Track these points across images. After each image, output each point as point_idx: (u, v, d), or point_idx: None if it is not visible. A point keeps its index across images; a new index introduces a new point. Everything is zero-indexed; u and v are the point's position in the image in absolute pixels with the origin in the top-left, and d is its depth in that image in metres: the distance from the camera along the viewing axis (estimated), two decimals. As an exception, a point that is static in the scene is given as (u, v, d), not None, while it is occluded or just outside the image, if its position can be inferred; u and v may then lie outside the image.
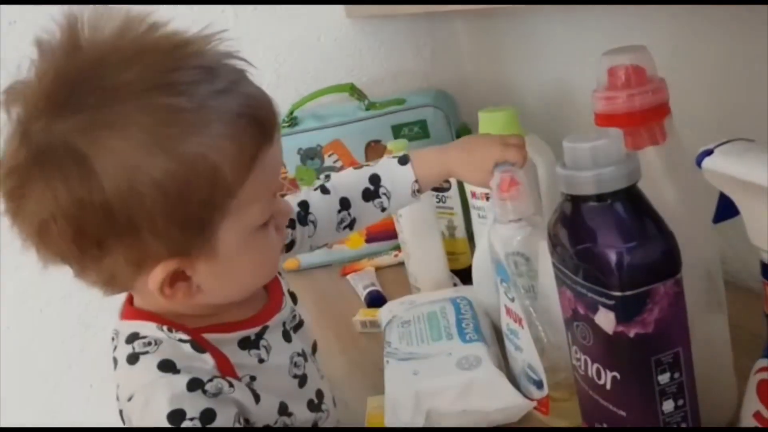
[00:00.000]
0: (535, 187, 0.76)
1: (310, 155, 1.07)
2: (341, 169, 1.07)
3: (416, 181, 0.71)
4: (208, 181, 0.47)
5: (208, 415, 0.50)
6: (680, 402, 0.49)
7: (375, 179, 0.72)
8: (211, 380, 0.51)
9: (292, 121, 1.09)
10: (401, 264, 1.03)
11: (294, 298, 0.64)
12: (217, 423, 0.50)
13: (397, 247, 1.07)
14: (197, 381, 0.50)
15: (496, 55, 1.18)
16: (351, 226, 0.73)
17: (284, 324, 0.60)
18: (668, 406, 0.48)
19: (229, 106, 0.48)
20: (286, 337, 0.60)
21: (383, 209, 0.73)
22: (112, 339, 0.55)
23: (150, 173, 0.45)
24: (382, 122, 1.05)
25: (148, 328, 0.53)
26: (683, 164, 0.54)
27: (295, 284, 1.07)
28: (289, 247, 0.70)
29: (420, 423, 0.65)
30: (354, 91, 1.09)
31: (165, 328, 0.53)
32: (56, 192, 0.45)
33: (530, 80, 1.07)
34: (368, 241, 1.11)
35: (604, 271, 0.46)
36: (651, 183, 0.50)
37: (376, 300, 0.95)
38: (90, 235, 0.47)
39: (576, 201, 0.48)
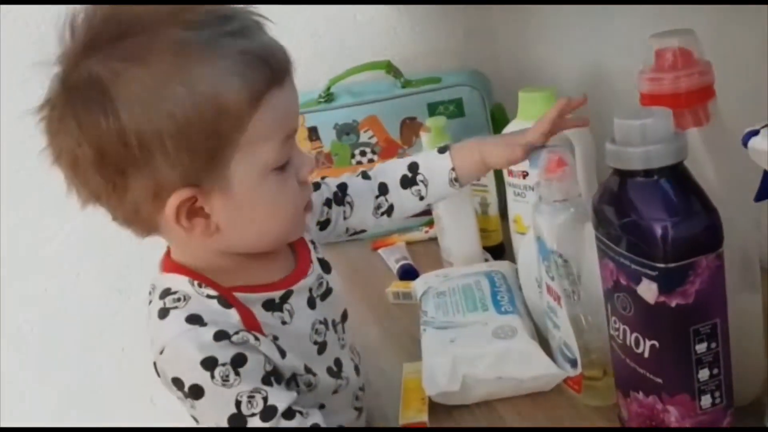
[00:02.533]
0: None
1: (345, 130, 1.09)
2: (376, 144, 1.10)
3: (453, 168, 0.72)
4: (215, 111, 0.50)
5: (238, 359, 0.53)
6: (715, 371, 0.51)
7: (413, 167, 0.74)
8: (237, 333, 0.53)
9: (329, 96, 1.12)
10: (432, 240, 1.06)
11: (326, 266, 0.66)
12: (248, 367, 0.53)
13: (428, 223, 1.10)
14: (223, 333, 0.53)
15: (530, 35, 1.19)
16: (389, 212, 0.75)
17: (310, 290, 0.62)
18: (704, 374, 0.51)
19: (238, 46, 0.51)
20: (311, 304, 0.62)
21: (421, 198, 0.74)
22: (150, 292, 0.58)
23: (163, 102, 0.49)
24: (418, 100, 1.07)
25: (180, 283, 0.56)
26: (725, 146, 0.56)
27: (327, 256, 1.12)
28: (324, 225, 0.73)
29: (455, 388, 0.68)
30: (391, 68, 1.11)
31: (196, 283, 0.56)
32: (80, 120, 0.50)
33: (565, 61, 1.09)
34: (400, 216, 1.13)
35: (649, 244, 0.49)
36: (693, 163, 0.52)
37: (408, 273, 0.98)
38: (111, 163, 0.51)
39: (624, 176, 0.50)
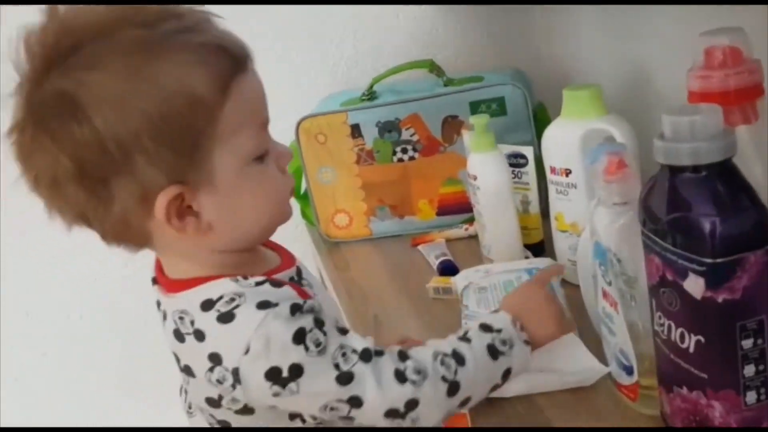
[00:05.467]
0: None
1: (387, 128, 1.11)
2: (418, 142, 1.11)
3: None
4: (187, 104, 0.51)
5: (320, 322, 0.55)
6: (761, 367, 0.51)
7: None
8: (304, 302, 0.55)
9: (372, 94, 1.13)
10: (471, 237, 1.07)
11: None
12: (328, 324, 0.55)
13: (468, 221, 1.11)
14: (296, 305, 0.54)
15: (571, 35, 1.20)
16: None
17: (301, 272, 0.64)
18: (749, 370, 0.51)
19: (195, 39, 0.53)
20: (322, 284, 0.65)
21: None
22: (180, 319, 0.56)
23: (131, 101, 0.50)
24: (460, 98, 1.08)
25: (221, 286, 0.55)
26: (774, 144, 0.56)
27: (367, 252, 1.14)
28: None
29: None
30: (433, 67, 1.12)
31: (239, 278, 0.56)
32: (54, 134, 0.50)
33: (606, 60, 1.09)
34: (439, 213, 1.14)
35: (696, 239, 0.49)
36: (741, 160, 0.52)
37: (448, 269, 0.99)
38: (93, 173, 0.51)
39: (672, 171, 0.51)
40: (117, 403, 1.39)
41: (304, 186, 1.19)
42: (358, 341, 0.57)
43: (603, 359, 0.68)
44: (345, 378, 0.54)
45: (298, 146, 1.13)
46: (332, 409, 0.56)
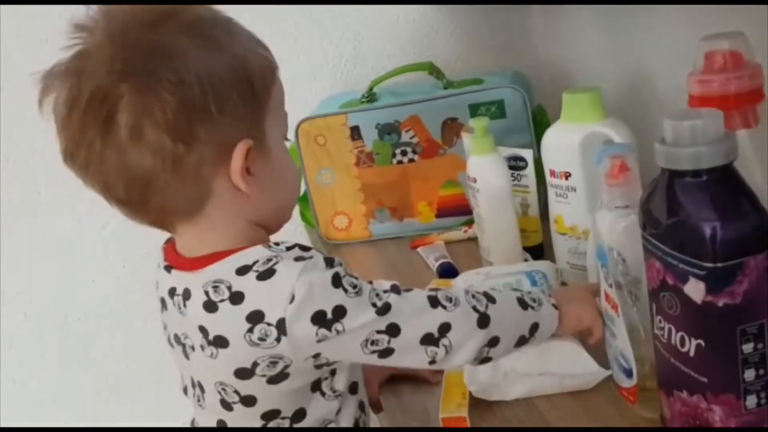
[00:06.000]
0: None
1: (387, 130, 1.11)
2: (417, 144, 1.11)
3: None
4: (255, 72, 0.59)
5: (351, 276, 0.58)
6: (761, 372, 0.51)
7: None
8: (333, 258, 0.59)
9: (371, 96, 1.13)
10: (471, 239, 1.07)
11: None
12: (359, 281, 0.58)
13: (467, 223, 1.11)
14: (328, 258, 0.59)
15: (571, 38, 1.20)
16: None
17: None
18: (749, 374, 0.51)
19: (246, 32, 0.62)
20: None
21: None
22: (215, 288, 0.57)
23: (219, 58, 0.57)
24: (460, 101, 1.08)
25: (256, 253, 0.58)
26: (774, 148, 0.56)
27: (366, 254, 1.14)
28: None
29: (498, 383, 0.69)
30: (433, 69, 1.12)
31: (271, 244, 0.59)
32: (150, 87, 0.54)
33: (605, 63, 1.09)
34: (439, 216, 1.14)
35: (697, 243, 0.49)
36: (741, 165, 0.53)
37: (448, 271, 0.99)
38: (183, 120, 0.55)
39: (673, 176, 0.51)
40: (115, 404, 1.39)
41: (303, 188, 1.19)
42: (385, 283, 0.60)
43: (608, 362, 0.68)
44: (383, 309, 0.57)
45: (297, 148, 1.13)
46: (373, 342, 0.58)
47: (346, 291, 0.57)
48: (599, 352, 0.69)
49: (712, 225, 0.49)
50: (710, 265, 0.49)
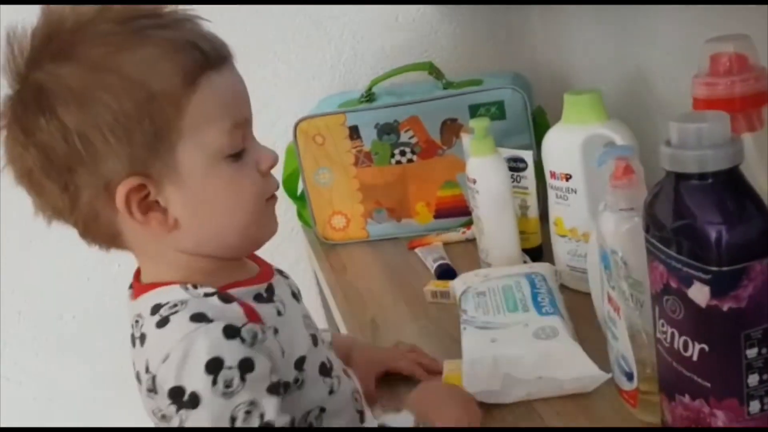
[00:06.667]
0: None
1: (386, 130, 1.10)
2: (416, 144, 1.10)
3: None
4: (147, 96, 0.51)
5: (246, 364, 0.50)
6: (765, 377, 0.51)
7: None
8: (244, 325, 0.52)
9: (370, 96, 1.13)
10: (469, 241, 1.07)
11: (283, 273, 0.65)
12: (256, 373, 0.51)
13: (465, 224, 1.11)
14: (232, 327, 0.51)
15: (571, 39, 1.19)
16: None
17: (290, 286, 0.63)
18: (753, 379, 0.51)
19: (168, 35, 0.53)
20: (295, 297, 0.63)
21: None
22: (136, 322, 0.55)
23: (94, 92, 0.51)
24: (460, 101, 1.08)
25: (172, 292, 0.54)
26: (779, 152, 0.56)
27: (363, 254, 1.14)
28: None
29: (496, 387, 0.68)
30: (433, 69, 1.12)
31: (189, 286, 0.54)
32: (23, 124, 0.52)
33: (606, 65, 1.09)
34: (437, 216, 1.14)
35: (702, 247, 0.49)
36: (746, 168, 0.52)
37: (446, 272, 0.98)
38: (59, 164, 0.52)
39: (678, 178, 0.50)
40: (110, 403, 1.37)
41: (301, 187, 1.18)
42: (273, 409, 0.51)
43: (608, 365, 0.67)
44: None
45: (296, 147, 1.12)
46: None
47: (214, 383, 0.49)
48: (600, 355, 0.68)
49: (717, 228, 0.48)
50: (715, 268, 0.48)
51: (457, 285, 0.88)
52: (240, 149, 0.56)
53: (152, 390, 0.52)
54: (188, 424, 0.50)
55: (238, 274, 0.59)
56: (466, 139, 0.99)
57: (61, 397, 1.37)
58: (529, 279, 0.81)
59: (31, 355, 1.34)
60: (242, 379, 0.50)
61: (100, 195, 0.53)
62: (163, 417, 0.53)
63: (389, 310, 0.95)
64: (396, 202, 1.14)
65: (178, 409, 0.50)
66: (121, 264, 1.29)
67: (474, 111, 1.07)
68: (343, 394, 0.63)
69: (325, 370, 0.62)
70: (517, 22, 1.32)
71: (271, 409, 0.51)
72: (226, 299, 0.54)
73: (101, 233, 0.56)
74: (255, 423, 0.50)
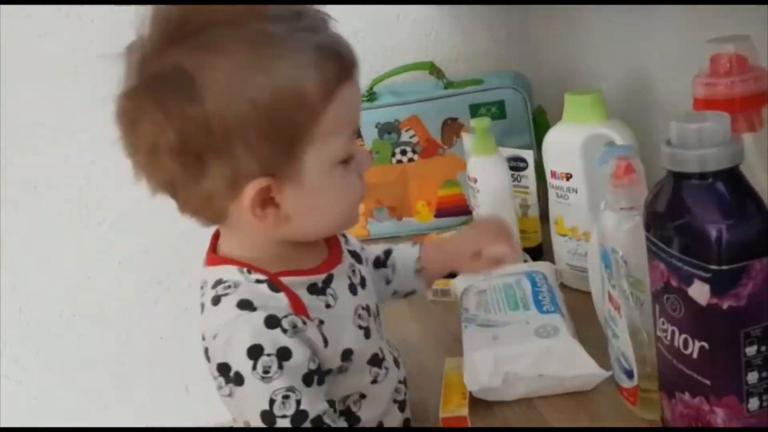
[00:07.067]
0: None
1: (387, 129, 1.11)
2: (417, 144, 1.11)
3: (419, 258, 0.74)
4: (295, 102, 0.52)
5: (284, 352, 0.54)
6: (764, 374, 0.51)
7: (388, 251, 0.75)
8: (286, 316, 0.55)
9: (371, 96, 1.13)
10: (470, 240, 1.07)
11: (357, 257, 0.68)
12: (293, 361, 0.54)
13: (466, 223, 1.11)
14: (273, 317, 0.54)
15: (571, 39, 1.20)
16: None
17: (349, 277, 0.64)
18: (752, 377, 0.51)
19: (313, 41, 0.54)
20: (352, 290, 0.63)
21: (388, 281, 0.74)
22: (201, 287, 0.59)
23: (246, 90, 0.51)
24: (460, 101, 1.08)
25: (230, 272, 0.58)
26: (779, 152, 0.56)
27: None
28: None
29: (497, 384, 0.69)
30: (434, 69, 1.12)
31: (245, 270, 0.57)
32: (166, 108, 0.52)
33: (607, 65, 1.09)
34: (437, 215, 1.14)
35: (702, 246, 0.49)
36: (745, 168, 0.53)
37: (447, 271, 0.98)
38: (193, 150, 0.52)
39: (679, 178, 0.51)
40: (110, 402, 1.38)
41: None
42: (309, 399, 0.54)
43: (608, 363, 0.68)
44: (267, 418, 0.53)
45: (296, 146, 1.13)
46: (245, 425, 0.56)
47: (254, 368, 0.53)
48: (600, 353, 0.69)
49: (717, 227, 0.48)
50: (715, 267, 0.49)
51: (458, 283, 0.88)
52: (350, 155, 0.58)
53: (206, 357, 0.57)
54: (236, 397, 0.54)
55: (304, 260, 0.61)
56: (466, 138, 0.99)
57: (61, 395, 1.37)
58: (530, 278, 0.82)
59: (31, 353, 1.34)
60: (280, 366, 0.53)
61: (223, 186, 0.54)
62: (218, 385, 0.56)
63: (390, 308, 0.95)
64: (397, 201, 1.14)
65: (227, 382, 0.55)
66: (122, 262, 1.31)
67: (475, 110, 1.08)
68: (387, 385, 0.65)
69: (376, 360, 0.64)
70: (518, 21, 1.32)
71: (306, 398, 0.54)
72: (275, 288, 0.57)
73: (208, 213, 0.57)
74: (291, 408, 0.53)
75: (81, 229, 1.28)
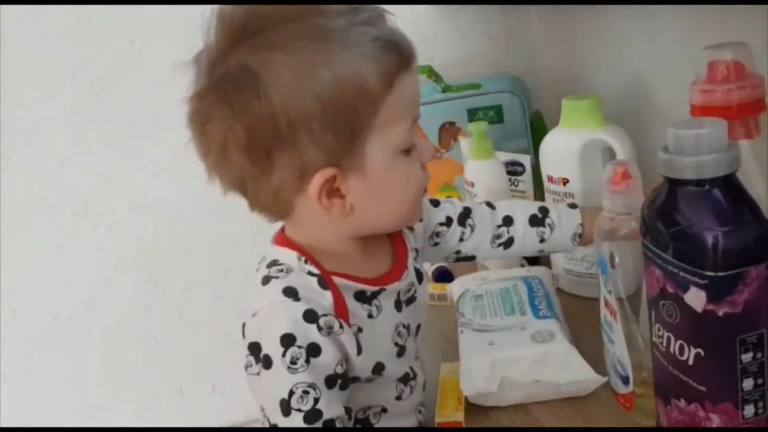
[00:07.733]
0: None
1: (384, 133, 1.11)
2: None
3: (581, 224, 0.75)
4: (356, 93, 0.54)
5: (314, 348, 0.55)
6: (760, 381, 0.51)
7: (544, 210, 0.76)
8: (325, 315, 0.56)
9: (369, 98, 1.13)
10: (466, 244, 1.07)
11: (420, 276, 0.67)
12: (320, 360, 0.55)
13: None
14: (313, 312, 0.55)
15: (569, 44, 1.20)
16: (507, 245, 0.76)
17: (398, 294, 0.64)
18: (748, 384, 0.51)
19: (370, 34, 0.55)
20: (397, 306, 0.63)
21: (542, 240, 0.76)
22: (259, 261, 0.61)
23: (309, 84, 0.53)
24: (458, 105, 1.08)
25: (288, 257, 0.59)
26: (775, 159, 0.56)
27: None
28: (436, 242, 0.75)
29: (493, 389, 0.69)
30: (432, 73, 1.13)
31: (302, 259, 0.59)
32: (233, 105, 0.54)
33: (604, 71, 1.09)
34: (434, 219, 1.14)
35: (699, 252, 0.49)
36: (742, 175, 0.53)
37: (443, 275, 0.99)
38: (261, 145, 0.54)
39: (675, 184, 0.51)
40: (104, 404, 1.37)
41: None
42: (327, 400, 0.55)
43: (604, 369, 0.68)
44: (286, 408, 0.54)
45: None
46: (261, 411, 0.57)
47: (283, 355, 0.54)
48: (596, 359, 0.69)
49: (714, 234, 0.48)
50: (711, 273, 0.49)
51: (454, 288, 0.88)
52: (412, 144, 0.59)
53: (242, 333, 0.58)
54: (262, 378, 0.55)
55: (365, 268, 0.62)
56: (464, 142, 0.99)
57: (58, 396, 1.36)
58: (527, 282, 0.82)
59: (27, 354, 1.34)
60: (307, 360, 0.54)
61: (291, 179, 0.55)
62: (247, 362, 0.57)
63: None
64: (394, 205, 1.14)
65: (256, 362, 0.56)
66: (118, 264, 1.30)
67: (472, 115, 1.08)
68: (409, 405, 0.66)
69: (406, 378, 0.65)
70: (516, 26, 1.32)
71: (324, 398, 0.55)
72: (324, 285, 0.58)
73: (276, 207, 0.59)
74: (308, 405, 0.54)
75: (77, 232, 1.27)
